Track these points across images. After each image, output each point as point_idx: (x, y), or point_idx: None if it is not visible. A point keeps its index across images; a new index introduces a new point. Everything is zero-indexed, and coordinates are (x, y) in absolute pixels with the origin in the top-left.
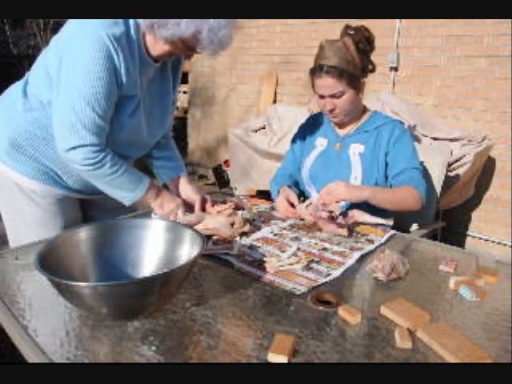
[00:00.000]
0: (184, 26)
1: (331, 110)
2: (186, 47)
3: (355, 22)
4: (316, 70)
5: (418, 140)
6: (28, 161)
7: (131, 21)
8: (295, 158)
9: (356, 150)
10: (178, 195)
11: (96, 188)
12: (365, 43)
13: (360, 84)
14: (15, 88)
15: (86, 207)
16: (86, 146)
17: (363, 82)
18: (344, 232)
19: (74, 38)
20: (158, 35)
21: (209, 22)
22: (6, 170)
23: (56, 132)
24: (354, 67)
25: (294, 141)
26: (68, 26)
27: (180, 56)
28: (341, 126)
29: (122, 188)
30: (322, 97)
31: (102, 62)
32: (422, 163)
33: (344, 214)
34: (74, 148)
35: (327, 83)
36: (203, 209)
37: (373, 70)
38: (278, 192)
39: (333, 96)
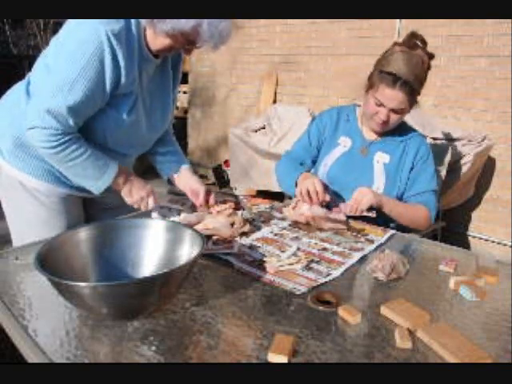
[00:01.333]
0: (184, 20)
1: (384, 121)
2: (187, 41)
3: (355, 22)
4: (389, 78)
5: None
6: (32, 160)
7: None
8: (311, 146)
9: (381, 159)
10: (183, 187)
11: None
12: (429, 57)
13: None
14: (18, 88)
15: (88, 206)
16: (45, 128)
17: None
18: (343, 225)
19: (73, 32)
20: (159, 29)
21: None
22: (10, 169)
23: (27, 110)
24: (421, 87)
25: (313, 127)
26: (67, 25)
27: (180, 51)
28: (366, 131)
29: (86, 176)
30: (380, 105)
31: (89, 56)
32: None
33: (333, 207)
34: (33, 127)
35: (397, 97)
36: (207, 201)
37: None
38: (296, 183)
39: (393, 110)
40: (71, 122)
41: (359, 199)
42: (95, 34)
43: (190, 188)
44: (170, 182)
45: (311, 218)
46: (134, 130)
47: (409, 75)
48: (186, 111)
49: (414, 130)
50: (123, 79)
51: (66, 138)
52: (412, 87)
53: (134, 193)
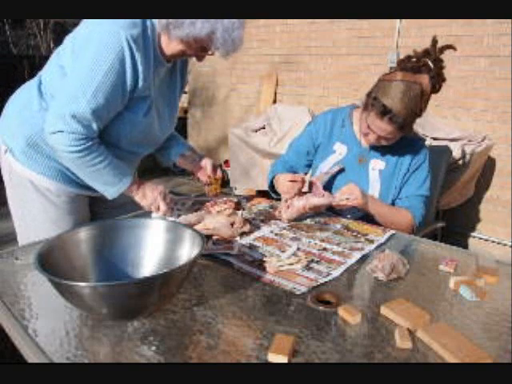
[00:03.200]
0: (199, 26)
1: (372, 141)
2: (200, 47)
3: (355, 22)
4: (380, 109)
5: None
6: (44, 159)
7: (148, 21)
8: (303, 152)
9: (376, 165)
10: (190, 167)
11: None
12: (440, 85)
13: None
14: (29, 87)
15: (93, 204)
16: (70, 132)
17: None
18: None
19: (93, 35)
20: (173, 35)
21: (223, 22)
22: (21, 168)
23: (48, 114)
24: (416, 116)
25: (306, 133)
26: (86, 24)
27: (190, 57)
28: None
29: (103, 181)
30: (369, 128)
31: (111, 61)
32: (428, 194)
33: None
34: (59, 131)
35: (385, 129)
36: (214, 173)
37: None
38: (272, 180)
39: (383, 137)
40: (95, 126)
41: (346, 193)
42: (117, 38)
43: (198, 165)
44: (176, 166)
45: (307, 207)
46: (148, 131)
47: (400, 110)
48: (186, 111)
49: (415, 135)
50: (140, 83)
51: (90, 143)
52: (402, 123)
53: (148, 195)
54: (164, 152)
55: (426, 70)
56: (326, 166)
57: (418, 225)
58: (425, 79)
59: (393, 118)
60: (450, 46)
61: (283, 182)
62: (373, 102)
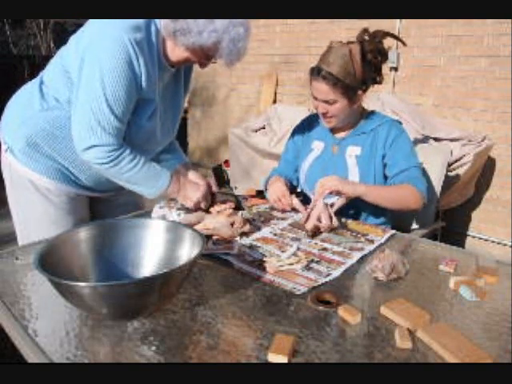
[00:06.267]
0: (206, 36)
1: (323, 114)
2: (205, 55)
3: (355, 22)
4: (314, 72)
5: (422, 141)
6: (44, 159)
7: (152, 26)
8: (290, 160)
9: (352, 152)
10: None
11: (107, 186)
12: (375, 55)
13: (356, 96)
14: (30, 87)
15: (95, 204)
16: (103, 145)
17: (360, 94)
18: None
19: (97, 40)
20: (179, 42)
21: (230, 33)
22: (21, 168)
23: (74, 132)
24: (353, 78)
25: (289, 143)
26: (89, 26)
27: (194, 63)
28: (335, 130)
29: (141, 184)
30: (315, 98)
31: (122, 66)
32: (421, 164)
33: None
34: (90, 147)
35: (321, 88)
36: (211, 193)
37: (379, 82)
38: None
39: (325, 101)
40: (122, 132)
41: (323, 182)
42: (121, 43)
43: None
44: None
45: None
46: (150, 136)
47: (331, 66)
48: (186, 111)
49: (386, 117)
50: (144, 84)
51: (120, 152)
52: (334, 78)
53: (192, 197)
54: (160, 163)
55: (354, 42)
56: (306, 164)
57: (424, 194)
58: (354, 45)
59: (325, 75)
60: (391, 35)
61: (280, 191)
62: (310, 73)
